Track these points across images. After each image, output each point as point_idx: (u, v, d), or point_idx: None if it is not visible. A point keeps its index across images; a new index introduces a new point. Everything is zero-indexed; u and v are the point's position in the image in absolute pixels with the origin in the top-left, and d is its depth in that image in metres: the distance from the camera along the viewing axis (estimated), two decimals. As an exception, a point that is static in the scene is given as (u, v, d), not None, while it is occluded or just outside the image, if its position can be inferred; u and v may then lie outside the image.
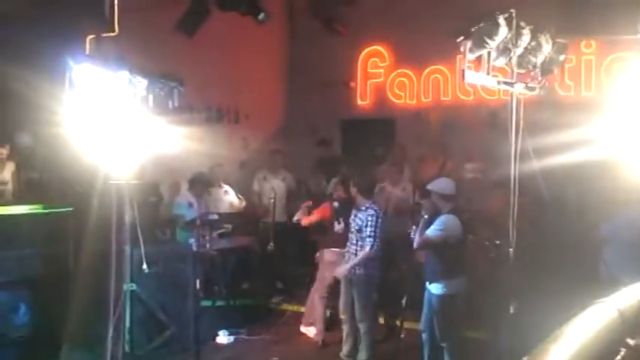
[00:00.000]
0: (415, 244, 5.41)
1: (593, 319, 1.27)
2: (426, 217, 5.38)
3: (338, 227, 6.55)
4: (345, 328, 6.30)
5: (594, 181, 5.92)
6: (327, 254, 6.80)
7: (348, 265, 6.04)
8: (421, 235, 5.34)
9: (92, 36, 7.07)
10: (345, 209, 6.48)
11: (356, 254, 6.02)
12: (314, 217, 6.96)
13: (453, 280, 5.33)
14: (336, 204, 6.50)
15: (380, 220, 6.03)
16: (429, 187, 5.50)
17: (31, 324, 5.66)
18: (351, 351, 6.26)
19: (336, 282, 6.58)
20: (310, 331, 7.04)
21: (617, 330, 1.28)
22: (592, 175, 5.85)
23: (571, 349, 1.10)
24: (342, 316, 6.27)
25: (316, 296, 6.94)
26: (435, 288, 5.35)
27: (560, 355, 1.06)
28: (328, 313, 7.03)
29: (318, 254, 7.00)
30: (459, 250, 5.41)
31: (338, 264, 6.51)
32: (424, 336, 5.57)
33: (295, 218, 7.30)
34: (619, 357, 1.20)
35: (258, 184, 9.26)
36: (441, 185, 5.47)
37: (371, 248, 5.93)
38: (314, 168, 9.40)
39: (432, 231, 5.29)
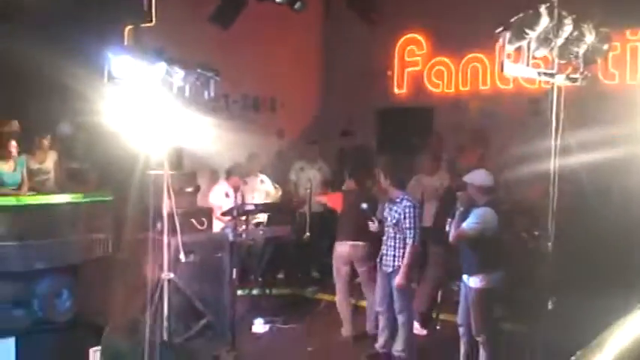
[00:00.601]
0: (451, 238, 5.35)
1: (636, 325, 1.23)
2: (461, 209, 5.31)
3: (373, 226, 6.30)
4: (381, 319, 6.27)
5: (636, 175, 5.77)
6: (339, 247, 6.76)
7: (402, 273, 5.88)
8: (457, 228, 5.28)
9: (130, 27, 7.16)
10: (358, 200, 6.46)
11: (394, 248, 5.98)
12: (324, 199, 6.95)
13: (491, 273, 5.26)
14: (364, 205, 6.36)
15: (418, 211, 5.99)
16: (466, 179, 5.43)
17: (73, 310, 5.79)
18: (387, 342, 6.25)
19: (353, 274, 6.66)
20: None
21: (660, 335, 1.23)
22: (637, 169, 5.70)
23: (612, 356, 1.07)
24: (379, 308, 6.25)
25: (340, 297, 6.90)
26: (472, 281, 5.30)
27: (601, 363, 1.03)
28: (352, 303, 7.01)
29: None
30: (496, 243, 5.34)
31: (351, 257, 6.58)
32: (461, 329, 5.53)
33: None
34: (662, 364, 1.16)
35: (295, 174, 9.29)
36: (477, 177, 5.39)
37: (414, 242, 5.89)
38: (336, 159, 9.40)
39: (468, 224, 5.23)
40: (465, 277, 5.40)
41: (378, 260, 6.18)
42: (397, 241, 5.96)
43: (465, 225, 5.24)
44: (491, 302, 5.30)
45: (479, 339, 5.33)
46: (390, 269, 5.99)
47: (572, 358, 1.08)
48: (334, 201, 7.09)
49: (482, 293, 5.26)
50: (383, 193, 6.22)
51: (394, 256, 5.97)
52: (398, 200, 5.99)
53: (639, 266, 5.11)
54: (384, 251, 6.07)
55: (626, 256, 5.24)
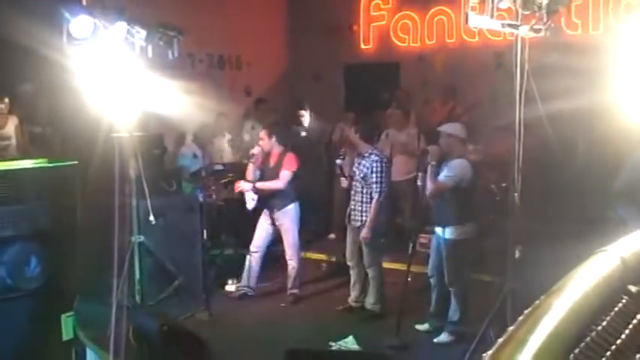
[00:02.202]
0: (428, 192, 5.37)
1: (596, 269, 1.26)
2: (433, 163, 5.34)
3: (344, 182, 6.34)
4: (352, 274, 6.36)
5: (601, 125, 5.85)
6: None
7: (368, 228, 5.93)
8: (433, 181, 5.31)
9: (88, -15, 6.93)
10: None
11: (362, 202, 6.02)
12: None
13: (465, 224, 5.35)
14: (339, 161, 6.37)
15: (385, 166, 6.02)
16: (441, 128, 5.46)
17: (42, 276, 5.74)
18: (359, 296, 6.35)
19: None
20: None
21: (619, 278, 1.27)
22: (599, 119, 5.78)
23: (572, 300, 1.10)
24: (349, 263, 6.33)
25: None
26: (446, 233, 5.36)
27: (561, 307, 1.05)
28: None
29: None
30: (471, 194, 5.42)
31: None
32: (432, 280, 5.63)
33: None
34: (620, 304, 1.19)
35: (248, 134, 9.16)
36: (452, 128, 5.44)
37: (379, 196, 5.92)
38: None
39: (444, 177, 5.27)
40: (438, 228, 5.46)
41: (347, 215, 6.23)
42: (364, 195, 5.99)
43: (441, 178, 5.28)
44: (466, 253, 5.40)
45: (451, 289, 5.44)
46: (359, 224, 6.04)
47: (536, 302, 1.10)
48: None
49: (457, 244, 5.35)
50: (352, 147, 6.25)
51: (361, 210, 6.02)
52: (366, 155, 6.01)
53: (601, 216, 5.23)
54: (352, 206, 6.11)
55: (589, 207, 5.35)
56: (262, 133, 6.68)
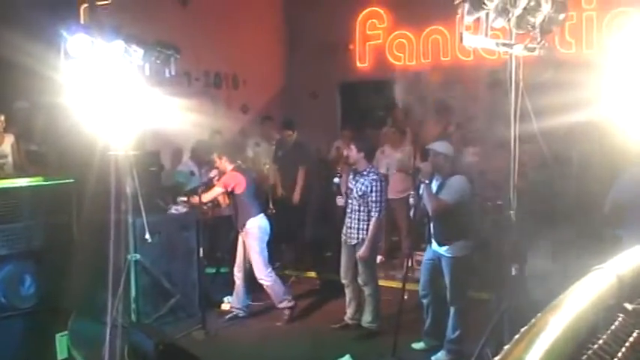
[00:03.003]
0: (430, 211, 5.35)
1: (592, 286, 1.26)
2: (426, 182, 5.34)
3: (340, 201, 6.31)
4: (347, 291, 6.34)
5: (596, 141, 5.89)
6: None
7: (366, 247, 5.93)
8: (432, 199, 5.30)
9: (86, 5, 6.98)
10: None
11: (359, 220, 6.01)
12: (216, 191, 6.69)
13: (466, 241, 5.34)
14: (337, 180, 6.35)
15: (384, 184, 6.03)
16: (430, 146, 5.47)
17: (37, 295, 5.71)
18: (354, 314, 6.32)
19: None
20: None
21: (615, 295, 1.27)
22: (594, 136, 5.82)
23: (568, 318, 1.10)
24: (344, 281, 6.31)
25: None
26: (446, 250, 5.35)
27: (557, 325, 1.06)
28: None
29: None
30: (470, 211, 5.43)
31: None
32: (425, 300, 5.60)
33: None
34: (617, 322, 1.20)
35: (251, 150, 9.22)
36: (440, 146, 5.44)
37: (379, 214, 5.93)
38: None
39: (448, 195, 5.27)
40: (436, 246, 5.45)
41: (343, 233, 6.22)
42: (362, 213, 5.99)
43: (445, 196, 5.27)
44: (465, 270, 5.40)
45: (452, 307, 5.41)
46: (355, 241, 6.04)
47: (532, 320, 1.10)
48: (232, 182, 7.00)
49: (459, 261, 5.34)
50: (350, 164, 6.26)
51: (358, 228, 6.01)
52: (365, 172, 6.01)
53: (597, 233, 5.24)
54: (349, 224, 6.10)
55: (584, 224, 5.36)
56: (215, 157, 6.70)
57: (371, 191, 5.91)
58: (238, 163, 6.75)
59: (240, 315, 6.73)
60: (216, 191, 6.60)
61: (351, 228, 6.07)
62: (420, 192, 5.40)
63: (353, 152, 6.14)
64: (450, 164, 5.37)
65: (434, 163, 5.38)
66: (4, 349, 5.32)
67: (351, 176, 6.14)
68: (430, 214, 5.37)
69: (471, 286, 6.06)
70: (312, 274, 8.15)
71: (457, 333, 5.39)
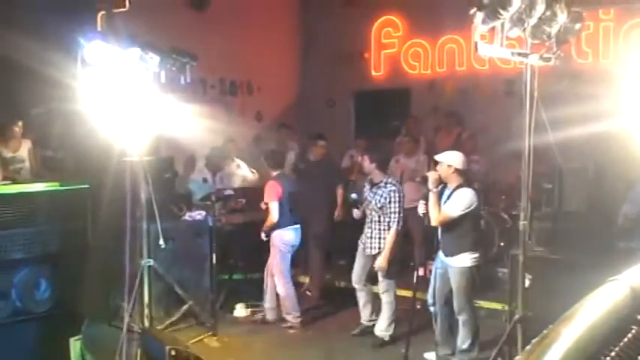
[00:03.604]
0: (434, 221, 5.36)
1: (605, 298, 1.26)
2: (434, 190, 5.32)
3: (357, 214, 6.32)
4: (360, 295, 6.34)
5: (612, 153, 5.85)
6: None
7: (384, 257, 5.94)
8: (434, 210, 5.28)
9: (103, 12, 7.04)
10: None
11: (379, 230, 6.00)
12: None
13: (474, 252, 5.32)
14: (354, 195, 6.39)
15: (402, 195, 6.03)
16: (438, 158, 5.46)
17: (52, 299, 5.75)
18: (371, 315, 6.32)
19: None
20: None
21: (628, 307, 1.27)
22: (610, 147, 5.78)
23: (581, 329, 1.10)
24: (357, 285, 6.32)
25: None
26: (455, 261, 5.33)
27: (570, 336, 1.05)
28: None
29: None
30: (478, 222, 5.40)
31: None
32: (434, 308, 5.57)
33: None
34: (630, 334, 1.19)
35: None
36: (449, 157, 5.42)
37: (397, 225, 5.94)
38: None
39: (452, 207, 5.26)
40: (443, 257, 5.44)
41: (361, 241, 6.21)
42: (382, 224, 6.00)
43: (450, 208, 5.26)
44: (473, 281, 5.37)
45: (460, 318, 5.39)
46: (376, 251, 6.03)
47: (545, 331, 1.10)
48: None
49: (467, 272, 5.32)
50: (364, 175, 6.26)
51: (380, 238, 6.01)
52: (382, 184, 6.01)
53: (612, 244, 5.20)
54: (368, 234, 6.10)
55: (599, 235, 5.33)
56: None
57: (389, 202, 5.93)
58: (280, 172, 6.82)
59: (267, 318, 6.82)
60: (273, 207, 6.59)
61: (371, 238, 6.07)
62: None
63: (366, 163, 6.15)
64: (457, 175, 5.35)
65: (444, 174, 5.37)
66: (18, 352, 5.36)
67: (368, 187, 6.14)
68: (432, 224, 5.36)
69: (483, 296, 6.03)
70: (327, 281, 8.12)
71: (468, 343, 5.37)
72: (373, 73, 10.51)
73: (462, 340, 5.40)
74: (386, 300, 6.11)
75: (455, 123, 8.92)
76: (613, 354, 1.07)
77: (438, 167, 5.40)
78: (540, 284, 4.74)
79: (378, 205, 5.97)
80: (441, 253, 5.45)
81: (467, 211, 5.25)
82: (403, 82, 10.21)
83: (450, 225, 5.32)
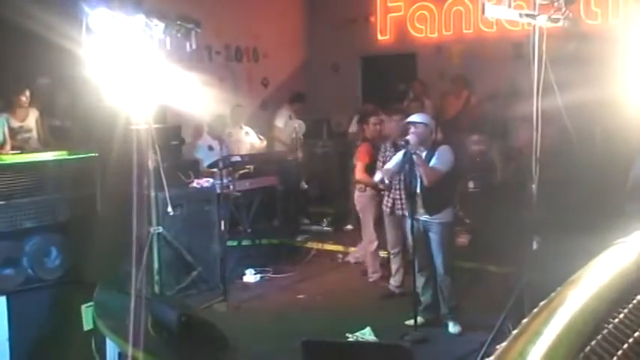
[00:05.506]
0: (426, 181, 5.30)
1: (613, 261, 1.26)
2: (418, 152, 5.28)
3: (379, 176, 6.10)
4: (394, 261, 6.42)
5: (620, 116, 5.79)
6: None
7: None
8: (427, 169, 5.26)
9: (107, -22, 6.96)
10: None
11: (400, 192, 5.94)
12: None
13: (453, 208, 5.59)
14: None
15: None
16: (412, 118, 5.49)
17: (62, 267, 5.81)
18: (402, 282, 6.38)
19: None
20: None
21: (636, 270, 1.26)
22: (618, 110, 5.72)
23: (588, 292, 1.10)
24: (393, 251, 6.39)
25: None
26: (439, 217, 5.40)
27: (576, 299, 1.06)
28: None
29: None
30: (453, 179, 5.69)
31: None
32: (423, 275, 5.57)
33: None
34: (638, 297, 1.19)
35: (282, 121, 9.22)
36: (424, 117, 5.53)
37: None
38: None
39: (440, 164, 5.31)
40: (426, 216, 5.43)
41: (389, 205, 6.20)
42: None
43: (438, 165, 5.32)
44: (453, 236, 5.61)
45: (446, 275, 5.44)
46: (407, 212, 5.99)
47: (552, 294, 1.10)
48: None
49: (449, 227, 5.53)
50: (384, 137, 6.29)
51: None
52: (404, 143, 5.93)
53: (619, 207, 5.19)
54: (397, 196, 6.04)
55: (607, 197, 5.32)
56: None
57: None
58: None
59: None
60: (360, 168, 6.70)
61: (400, 199, 5.98)
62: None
63: (392, 123, 6.16)
64: (431, 135, 5.46)
65: (418, 135, 5.33)
66: (31, 320, 5.44)
67: (391, 148, 6.07)
68: (426, 184, 5.32)
69: (491, 260, 6.04)
70: (333, 247, 8.18)
71: (454, 299, 5.54)
72: (379, 37, 10.41)
73: (449, 298, 5.50)
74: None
75: (462, 86, 8.84)
76: (621, 316, 1.07)
77: (413, 129, 5.37)
78: (548, 247, 4.74)
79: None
80: (420, 214, 5.42)
81: (450, 166, 5.37)
82: (410, 46, 10.11)
83: (434, 184, 5.33)
